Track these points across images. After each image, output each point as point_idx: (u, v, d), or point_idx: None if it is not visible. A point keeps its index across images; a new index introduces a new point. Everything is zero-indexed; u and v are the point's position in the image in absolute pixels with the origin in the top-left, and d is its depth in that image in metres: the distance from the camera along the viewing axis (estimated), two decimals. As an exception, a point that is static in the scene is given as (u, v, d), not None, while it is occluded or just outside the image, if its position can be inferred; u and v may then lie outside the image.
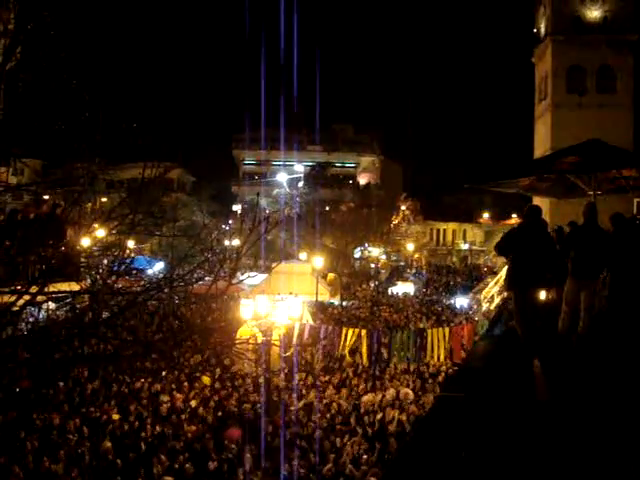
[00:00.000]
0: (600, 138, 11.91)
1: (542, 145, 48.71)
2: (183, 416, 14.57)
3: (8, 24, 7.64)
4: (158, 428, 13.72)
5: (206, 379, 16.16)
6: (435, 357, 18.87)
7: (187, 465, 11.96)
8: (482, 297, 28.39)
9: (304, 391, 16.70)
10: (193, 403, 15.45)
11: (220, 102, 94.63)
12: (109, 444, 12.61)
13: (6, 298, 7.38)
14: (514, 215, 70.10)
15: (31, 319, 8.13)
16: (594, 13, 49.75)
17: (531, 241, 8.25)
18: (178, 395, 15.75)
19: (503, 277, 25.92)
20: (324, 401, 15.83)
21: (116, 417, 14.12)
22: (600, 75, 48.37)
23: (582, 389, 6.68)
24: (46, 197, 13.07)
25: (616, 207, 9.71)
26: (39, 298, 7.55)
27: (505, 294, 20.56)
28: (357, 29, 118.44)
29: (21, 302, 7.37)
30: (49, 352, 7.58)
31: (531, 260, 8.16)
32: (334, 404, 15.58)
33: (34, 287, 7.39)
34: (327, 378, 18.22)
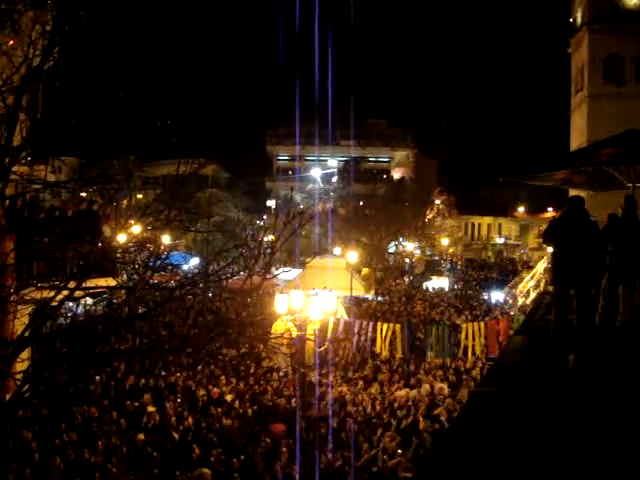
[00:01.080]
0: (639, 129, 11.68)
1: (579, 138, 47.86)
2: (219, 409, 14.70)
3: (46, 25, 7.77)
4: (193, 420, 13.88)
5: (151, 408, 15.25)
6: (470, 352, 18.73)
7: (223, 457, 12.08)
8: (518, 291, 28.03)
9: (338, 386, 16.73)
10: (229, 397, 15.58)
11: (254, 98, 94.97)
12: (142, 436, 12.79)
13: (45, 293, 7.53)
14: (550, 209, 69.21)
15: (69, 314, 8.28)
16: (633, 0, 48.69)
17: (575, 234, 8.13)
18: (214, 389, 15.90)
19: (540, 271, 25.63)
20: (359, 396, 15.85)
21: (152, 409, 14.31)
22: (639, 64, 47.34)
23: (618, 385, 6.57)
24: (83, 194, 13.29)
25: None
26: (77, 293, 7.69)
27: (541, 288, 20.32)
28: (391, 22, 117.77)
29: (60, 297, 7.52)
30: (87, 346, 7.72)
31: (575, 256, 8.05)
32: (369, 399, 15.58)
33: (72, 282, 7.53)
34: (362, 373, 18.23)
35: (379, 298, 33.01)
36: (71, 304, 8.04)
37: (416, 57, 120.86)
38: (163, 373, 16.73)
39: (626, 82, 47.20)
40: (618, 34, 46.97)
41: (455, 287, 40.99)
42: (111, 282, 8.47)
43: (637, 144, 10.84)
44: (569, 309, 8.45)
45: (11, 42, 7.64)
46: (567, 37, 52.73)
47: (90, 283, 8.01)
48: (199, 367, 17.10)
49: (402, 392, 15.96)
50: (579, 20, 50.95)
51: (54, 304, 7.51)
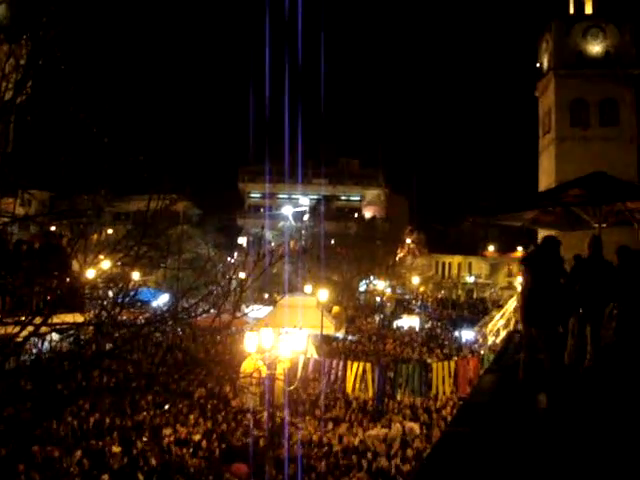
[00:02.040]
0: (604, 171, 11.95)
1: (547, 178, 48.85)
2: (185, 450, 14.42)
3: (20, 59, 7.75)
4: (159, 461, 13.58)
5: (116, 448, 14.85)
6: (441, 391, 18.70)
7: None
8: (488, 330, 28.23)
9: (308, 426, 16.54)
10: (196, 437, 15.31)
11: (226, 135, 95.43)
12: (107, 478, 12.46)
13: (10, 329, 7.36)
14: (519, 248, 70.04)
15: (34, 350, 8.11)
16: (596, 48, 50.31)
17: (544, 273, 8.22)
18: (181, 428, 15.62)
19: (510, 310, 25.82)
20: (328, 435, 15.68)
21: (117, 450, 13.98)
22: (603, 108, 48.72)
23: (587, 424, 6.60)
24: (52, 228, 13.13)
25: (622, 239, 9.67)
26: (43, 329, 7.54)
27: (511, 327, 20.45)
28: (363, 63, 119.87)
29: (25, 333, 7.36)
30: (52, 384, 7.54)
31: (543, 295, 8.12)
32: (339, 439, 15.42)
33: (38, 318, 7.38)
34: (332, 413, 18.07)
35: (350, 337, 32.91)
36: (36, 340, 7.88)
37: (389, 97, 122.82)
38: (129, 412, 16.40)
39: (591, 125, 48.50)
40: (582, 80, 48.42)
41: (426, 326, 41.08)
42: (78, 318, 8.31)
43: (602, 186, 11.08)
44: (538, 349, 8.49)
45: (-17, 75, 7.61)
46: (534, 81, 54.17)
47: (57, 319, 7.86)
48: (166, 406, 16.80)
49: (373, 432, 15.84)
50: (545, 65, 52.45)
51: (19, 340, 7.35)
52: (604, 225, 11.00)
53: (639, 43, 49.53)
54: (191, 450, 14.49)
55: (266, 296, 36.14)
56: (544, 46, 52.99)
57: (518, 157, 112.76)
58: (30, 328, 7.37)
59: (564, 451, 5.74)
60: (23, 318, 7.44)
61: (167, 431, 15.44)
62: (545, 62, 52.67)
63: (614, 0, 50.50)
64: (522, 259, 9.04)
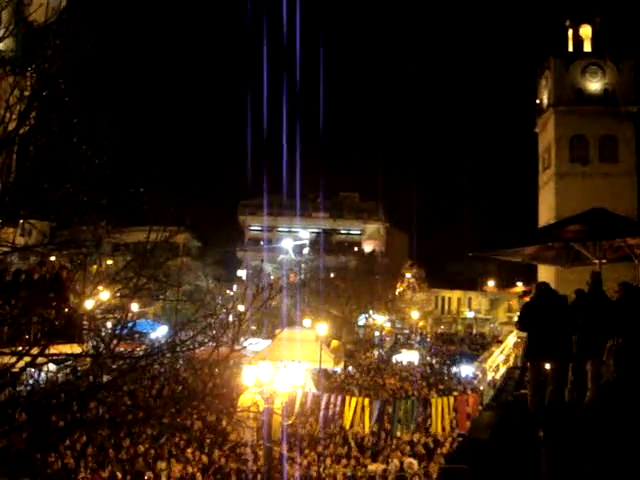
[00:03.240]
0: (604, 206, 12.00)
1: (547, 213, 49.01)
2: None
3: (25, 90, 7.84)
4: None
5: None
6: (440, 427, 18.50)
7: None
8: (487, 366, 28.00)
9: (306, 461, 16.34)
10: (192, 470, 15.10)
11: (226, 169, 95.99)
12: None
13: (6, 359, 7.31)
14: (519, 283, 70.01)
15: (31, 381, 8.04)
16: (595, 85, 50.89)
17: (547, 315, 8.35)
18: (176, 463, 15.41)
19: (509, 345, 25.67)
20: (326, 472, 15.48)
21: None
22: (602, 145, 49.14)
23: (588, 462, 6.52)
24: (52, 258, 13.13)
25: (622, 275, 9.69)
26: (40, 360, 7.49)
27: (511, 363, 20.32)
28: (363, 93, 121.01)
29: (21, 363, 7.31)
30: (48, 415, 7.47)
31: (548, 333, 8.24)
32: (337, 475, 15.22)
33: (35, 348, 7.34)
34: (330, 448, 17.85)
35: (348, 371, 32.67)
36: (33, 370, 7.82)
37: (389, 130, 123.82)
38: (125, 444, 16.20)
39: (591, 161, 48.86)
40: (582, 116, 48.90)
41: (425, 361, 40.82)
42: (76, 349, 8.27)
43: (602, 222, 11.11)
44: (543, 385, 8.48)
45: (-13, 106, 7.69)
46: (534, 118, 54.69)
47: (54, 350, 7.80)
48: (163, 439, 16.61)
49: (371, 467, 15.64)
50: (545, 102, 52.99)
51: (15, 370, 7.29)
52: (604, 261, 11.02)
53: (638, 80, 50.13)
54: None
55: (265, 329, 36.00)
56: (543, 83, 53.60)
57: (518, 193, 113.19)
58: (27, 359, 7.32)
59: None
60: (20, 348, 7.40)
61: (162, 465, 15.24)
62: (545, 99, 53.22)
63: (613, 38, 51.29)
64: (523, 309, 9.17)
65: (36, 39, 8.04)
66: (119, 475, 14.40)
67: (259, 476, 14.75)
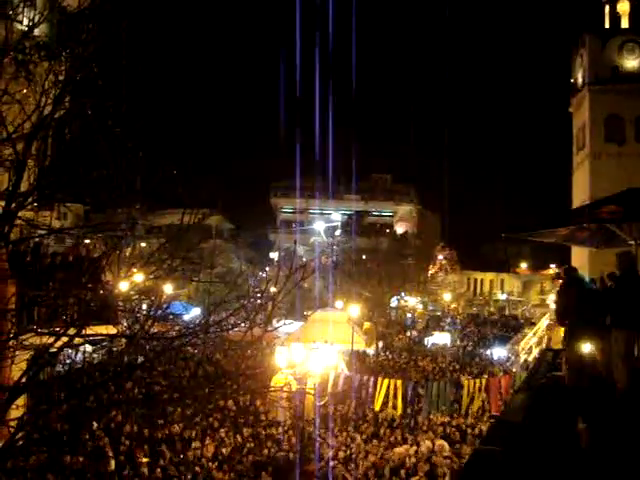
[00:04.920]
0: (639, 187, 11.77)
1: (581, 195, 48.19)
2: (212, 464, 14.44)
3: (59, 75, 7.94)
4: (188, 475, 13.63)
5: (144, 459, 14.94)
6: (472, 408, 18.49)
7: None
8: (520, 348, 27.84)
9: (338, 442, 16.45)
10: (225, 450, 15.32)
11: (259, 151, 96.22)
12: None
13: (44, 339, 7.48)
14: (552, 265, 69.14)
15: (68, 361, 8.22)
16: (632, 63, 49.70)
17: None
18: (209, 441, 15.65)
19: (542, 328, 25.44)
20: (358, 452, 15.57)
21: (145, 460, 14.06)
22: (639, 124, 48.06)
23: (626, 447, 6.45)
24: (87, 241, 13.34)
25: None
26: (77, 340, 7.64)
27: (544, 345, 20.15)
28: (398, 80, 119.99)
29: (59, 344, 7.47)
30: (84, 394, 7.63)
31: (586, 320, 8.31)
32: (369, 456, 15.31)
33: (72, 329, 7.49)
34: (362, 429, 17.95)
35: (381, 353, 32.73)
36: (70, 351, 7.99)
37: (422, 112, 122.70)
38: (161, 422, 16.47)
39: (626, 142, 47.86)
40: (618, 95, 47.83)
41: (457, 343, 40.69)
42: (111, 330, 8.41)
43: (637, 202, 10.91)
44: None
45: (24, 91, 7.80)
46: (568, 97, 53.69)
47: (90, 330, 7.96)
48: (197, 419, 16.85)
49: (401, 449, 15.69)
50: (580, 81, 51.93)
51: (53, 350, 7.46)
52: (640, 242, 10.84)
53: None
54: (216, 464, 14.50)
55: (297, 311, 36.16)
56: (578, 61, 52.49)
57: (552, 173, 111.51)
58: (64, 339, 7.48)
59: (599, 476, 5.62)
60: (57, 329, 7.55)
61: (196, 444, 15.48)
62: (579, 77, 52.15)
63: (651, 14, 49.96)
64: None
65: (70, 24, 8.12)
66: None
67: (291, 455, 14.91)
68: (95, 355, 8.61)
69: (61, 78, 7.81)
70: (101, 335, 8.36)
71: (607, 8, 52.74)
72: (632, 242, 10.77)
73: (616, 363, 8.50)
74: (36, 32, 8.25)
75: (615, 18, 52.45)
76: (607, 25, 52.47)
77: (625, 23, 52.07)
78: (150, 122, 8.15)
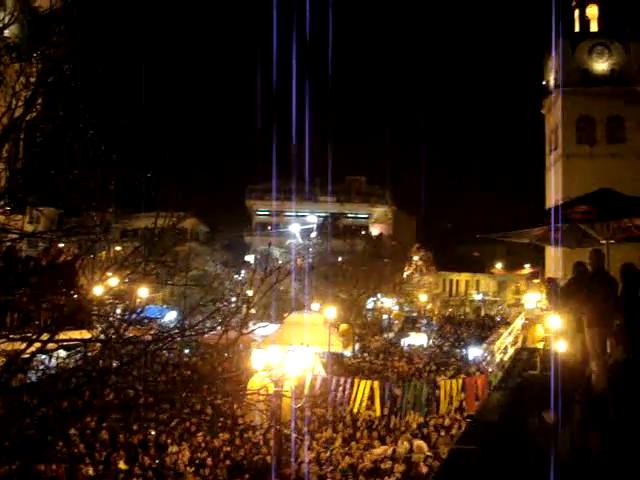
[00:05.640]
0: (611, 187, 11.93)
1: (554, 195, 48.80)
2: (189, 468, 14.34)
3: (31, 77, 7.83)
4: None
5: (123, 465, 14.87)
6: (449, 409, 18.57)
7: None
8: (495, 348, 28.04)
9: (315, 444, 16.43)
10: (202, 455, 15.23)
11: (234, 153, 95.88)
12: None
13: (17, 345, 7.37)
14: (527, 265, 69.89)
15: (41, 367, 8.10)
16: (601, 66, 50.50)
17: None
18: (185, 446, 15.55)
19: (517, 327, 25.66)
20: (336, 454, 15.57)
21: (123, 467, 13.93)
22: (609, 125, 48.86)
23: (602, 445, 6.53)
24: (61, 245, 13.18)
25: (629, 256, 9.65)
26: (50, 346, 7.55)
27: (519, 345, 20.33)
28: (372, 82, 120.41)
29: (32, 349, 7.36)
30: (58, 400, 7.53)
31: None
32: (346, 457, 15.31)
33: (45, 334, 7.39)
34: (340, 430, 17.95)
35: (358, 354, 32.77)
36: (43, 357, 7.88)
37: (395, 113, 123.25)
38: (136, 427, 16.32)
39: (598, 142, 48.58)
40: (588, 97, 48.57)
41: (433, 343, 40.90)
42: (85, 335, 8.31)
43: (610, 202, 11.06)
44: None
45: (-6, 93, 7.68)
46: (541, 99, 54.33)
47: (64, 335, 7.87)
48: (173, 423, 16.72)
49: (380, 450, 15.72)
50: (551, 83, 52.62)
51: (25, 356, 7.35)
52: (611, 241, 10.98)
53: (644, 61, 49.74)
54: (193, 469, 14.41)
55: (273, 313, 36.08)
56: (550, 64, 53.19)
57: (526, 174, 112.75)
58: (37, 344, 7.37)
59: (574, 471, 5.68)
60: (30, 334, 7.45)
61: (173, 449, 15.37)
62: (551, 80, 52.86)
63: (619, 18, 50.76)
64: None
65: (41, 25, 8.03)
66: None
67: (269, 458, 14.86)
68: (69, 360, 8.50)
69: (32, 80, 7.71)
70: (75, 340, 8.26)
71: (577, 12, 53.53)
72: (604, 241, 10.91)
73: (590, 361, 8.59)
74: (6, 33, 8.13)
75: (585, 22, 53.27)
76: (577, 29, 53.27)
77: (594, 27, 52.91)
78: (124, 124, 8.07)
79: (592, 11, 52.86)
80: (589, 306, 8.64)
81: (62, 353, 8.29)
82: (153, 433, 16.09)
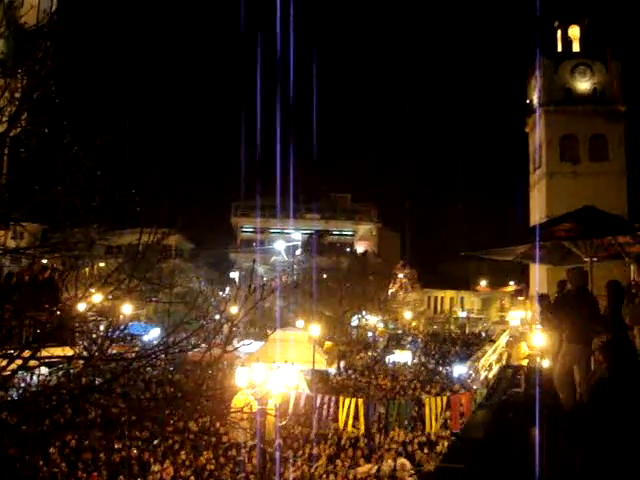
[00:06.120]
0: (594, 205, 12.04)
1: (538, 213, 49.20)
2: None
3: (15, 92, 7.80)
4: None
5: None
6: (434, 426, 18.53)
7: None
8: (480, 365, 28.08)
9: (300, 462, 16.33)
10: (185, 473, 15.07)
11: (219, 170, 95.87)
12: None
13: (-2, 362, 7.28)
14: (511, 282, 70.20)
15: (22, 384, 8.00)
16: (584, 85, 51.19)
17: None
18: (169, 464, 15.38)
19: (502, 344, 25.74)
20: (320, 472, 15.47)
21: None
22: (592, 144, 49.46)
23: (586, 463, 6.53)
24: (44, 261, 13.07)
25: (612, 274, 9.74)
26: (32, 363, 7.45)
27: (504, 362, 20.38)
28: (357, 100, 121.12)
29: (13, 366, 7.27)
30: (40, 418, 7.43)
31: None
32: (330, 476, 15.22)
33: (27, 351, 7.30)
34: (323, 448, 17.85)
35: (342, 372, 32.66)
36: (24, 374, 7.79)
37: (380, 131, 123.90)
38: (118, 447, 16.15)
39: (581, 161, 49.12)
40: (571, 116, 49.17)
41: (418, 361, 40.88)
42: (68, 352, 8.22)
43: (593, 220, 11.15)
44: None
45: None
46: (524, 118, 54.93)
47: (46, 352, 7.77)
48: (156, 441, 16.58)
49: (364, 468, 15.65)
50: (535, 102, 53.23)
51: (6, 373, 7.26)
52: (595, 259, 11.05)
53: (625, 80, 50.49)
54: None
55: (257, 331, 35.95)
56: (533, 83, 53.85)
57: (510, 192, 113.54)
58: (18, 362, 7.28)
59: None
60: (11, 351, 7.36)
61: (155, 468, 15.20)
62: (535, 99, 53.47)
63: (601, 39, 51.61)
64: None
65: (27, 41, 8.01)
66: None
67: (252, 477, 14.73)
68: (51, 378, 8.40)
69: (17, 96, 7.68)
70: (57, 357, 8.17)
71: (559, 32, 54.34)
72: (587, 259, 10.98)
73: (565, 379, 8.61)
74: (-9, 49, 8.11)
75: (567, 42, 54.07)
76: (560, 49, 54.03)
77: (576, 47, 53.69)
78: (109, 140, 8.05)
79: (574, 32, 53.70)
80: (569, 323, 8.68)
81: (44, 370, 8.19)
82: (135, 451, 15.91)
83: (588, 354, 8.63)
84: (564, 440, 7.49)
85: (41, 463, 14.35)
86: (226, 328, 8.66)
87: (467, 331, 65.76)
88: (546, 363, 9.29)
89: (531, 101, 54.33)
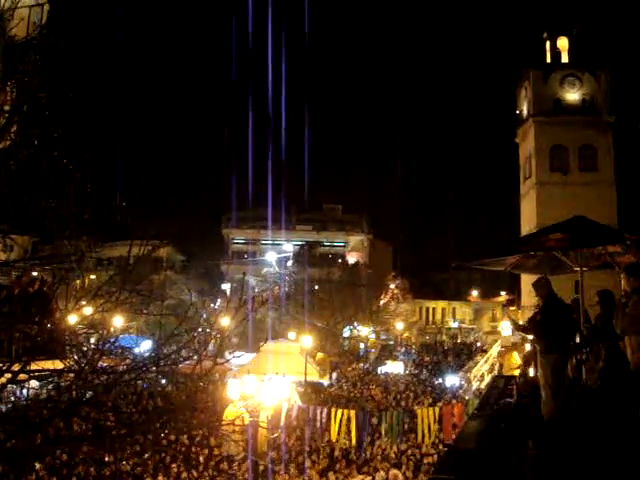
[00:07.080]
0: (584, 215, 12.08)
1: (528, 222, 49.42)
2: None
3: (4, 105, 7.79)
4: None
5: None
6: (426, 437, 18.50)
7: None
8: (472, 376, 28.11)
9: (292, 474, 16.24)
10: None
11: (210, 182, 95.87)
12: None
13: (-13, 376, 7.23)
14: (502, 292, 70.35)
15: (12, 398, 7.95)
16: (573, 96, 51.58)
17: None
18: (160, 477, 15.28)
19: (494, 355, 25.77)
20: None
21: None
22: (582, 154, 49.78)
23: (577, 472, 6.53)
24: (34, 274, 13.01)
25: (603, 283, 9.78)
26: (21, 376, 7.41)
27: (495, 372, 20.39)
28: (346, 111, 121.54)
29: (2, 380, 7.23)
30: (29, 432, 7.37)
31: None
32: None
33: (17, 365, 7.26)
34: (316, 460, 17.77)
35: (334, 383, 32.59)
36: (14, 387, 7.73)
37: (372, 142, 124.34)
38: (108, 460, 16.01)
39: (571, 171, 49.42)
40: (561, 126, 49.50)
41: (410, 372, 40.83)
42: (58, 365, 8.17)
43: (583, 230, 11.19)
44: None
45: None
46: (514, 128, 55.26)
47: (36, 366, 7.72)
48: (147, 454, 16.46)
49: (357, 479, 15.58)
50: (525, 112, 53.58)
51: (-4, 387, 7.22)
52: (585, 269, 11.09)
53: (614, 90, 50.96)
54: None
55: (249, 343, 35.84)
56: (523, 94, 54.22)
57: (500, 202, 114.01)
58: (8, 375, 7.24)
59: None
60: (1, 365, 7.31)
61: (147, 481, 15.10)
62: (524, 109, 53.83)
63: (589, 49, 52.03)
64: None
65: (16, 54, 8.01)
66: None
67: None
68: (41, 391, 8.34)
69: (7, 108, 7.67)
70: (47, 370, 8.11)
71: (548, 44, 54.76)
72: (577, 269, 11.01)
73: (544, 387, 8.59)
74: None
75: (556, 53, 54.48)
76: (548, 60, 54.44)
77: (565, 58, 54.10)
78: (100, 153, 8.04)
79: (562, 43, 54.13)
80: (540, 334, 8.71)
81: (34, 384, 8.13)
82: (126, 465, 15.79)
83: (564, 362, 8.65)
84: (555, 450, 7.48)
85: (31, 478, 14.23)
86: (217, 340, 8.64)
87: (459, 341, 65.76)
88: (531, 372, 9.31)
89: (521, 111, 54.68)
